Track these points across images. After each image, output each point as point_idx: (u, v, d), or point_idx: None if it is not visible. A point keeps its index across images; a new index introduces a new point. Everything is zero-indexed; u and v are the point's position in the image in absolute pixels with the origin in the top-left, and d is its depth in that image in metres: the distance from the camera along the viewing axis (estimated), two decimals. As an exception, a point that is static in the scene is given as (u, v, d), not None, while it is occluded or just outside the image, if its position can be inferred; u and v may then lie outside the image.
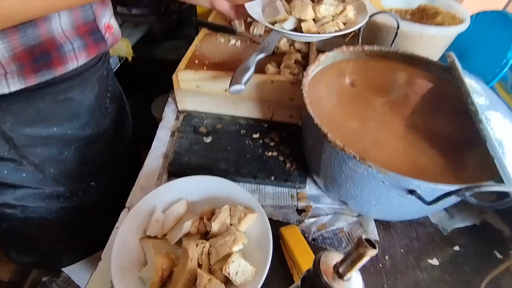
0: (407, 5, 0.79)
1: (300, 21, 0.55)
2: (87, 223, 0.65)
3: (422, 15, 0.75)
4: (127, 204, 0.50)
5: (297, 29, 0.56)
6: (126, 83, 0.99)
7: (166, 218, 0.45)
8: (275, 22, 0.56)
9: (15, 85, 0.43)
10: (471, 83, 0.49)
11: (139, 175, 0.55)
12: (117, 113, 0.66)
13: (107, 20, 0.52)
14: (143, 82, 1.32)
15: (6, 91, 0.43)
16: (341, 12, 0.56)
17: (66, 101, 0.51)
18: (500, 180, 0.37)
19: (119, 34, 0.56)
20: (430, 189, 0.37)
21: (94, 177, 0.63)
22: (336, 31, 0.55)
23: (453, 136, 0.47)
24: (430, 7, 0.75)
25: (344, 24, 0.56)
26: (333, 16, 0.56)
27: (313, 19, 0.55)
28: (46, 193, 0.57)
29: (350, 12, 0.56)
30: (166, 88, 0.67)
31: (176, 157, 0.56)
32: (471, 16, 0.71)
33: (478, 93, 0.48)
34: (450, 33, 0.65)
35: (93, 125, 0.58)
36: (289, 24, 0.55)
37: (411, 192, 0.38)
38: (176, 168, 0.55)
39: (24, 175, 0.53)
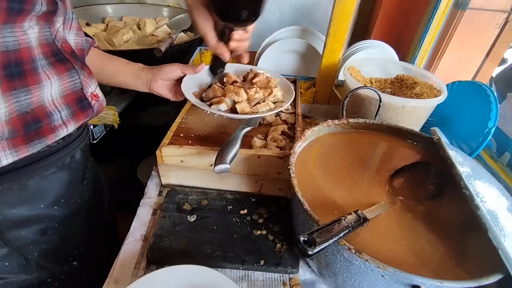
0: (386, 74, 0.83)
1: (234, 102, 0.63)
2: None
3: (402, 85, 0.79)
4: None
5: (232, 109, 0.64)
6: (111, 147, 0.96)
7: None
8: (211, 104, 0.64)
9: (7, 158, 0.41)
10: (454, 154, 0.49)
11: (114, 264, 0.50)
12: (94, 183, 0.63)
13: (93, 89, 0.53)
14: (129, 146, 1.31)
15: None
16: (269, 93, 0.67)
17: (54, 175, 0.50)
18: (505, 271, 0.34)
19: (104, 102, 0.56)
20: (435, 286, 0.33)
21: (76, 256, 0.58)
22: (267, 110, 0.65)
23: (449, 216, 0.45)
24: (407, 77, 0.79)
25: (274, 103, 0.68)
26: (263, 97, 0.67)
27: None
28: (27, 283, 0.51)
29: (278, 92, 0.68)
30: (152, 151, 0.65)
31: (157, 241, 0.51)
32: (447, 85, 0.74)
33: (461, 163, 0.48)
34: (430, 104, 0.67)
35: (76, 198, 0.56)
36: (224, 105, 0.63)
37: (415, 287, 0.35)
38: (156, 255, 0.50)
39: (7, 263, 0.48)
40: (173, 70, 0.65)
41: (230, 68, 0.75)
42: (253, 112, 0.63)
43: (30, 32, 0.41)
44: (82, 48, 0.55)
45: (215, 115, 0.72)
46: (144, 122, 1.12)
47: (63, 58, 0.47)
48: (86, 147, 0.59)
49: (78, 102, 0.49)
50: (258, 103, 0.66)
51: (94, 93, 0.53)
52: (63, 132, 0.47)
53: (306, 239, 0.33)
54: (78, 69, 0.49)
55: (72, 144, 0.52)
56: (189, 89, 0.65)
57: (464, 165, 0.46)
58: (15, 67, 0.39)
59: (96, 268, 0.58)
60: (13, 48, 0.39)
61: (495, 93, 0.66)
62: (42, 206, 0.50)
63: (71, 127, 0.48)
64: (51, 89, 0.45)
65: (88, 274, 0.60)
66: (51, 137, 0.45)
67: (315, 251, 0.32)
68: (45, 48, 0.43)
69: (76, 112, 0.49)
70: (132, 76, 0.66)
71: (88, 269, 0.60)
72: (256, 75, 0.71)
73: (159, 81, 0.66)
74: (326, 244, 0.33)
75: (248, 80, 0.72)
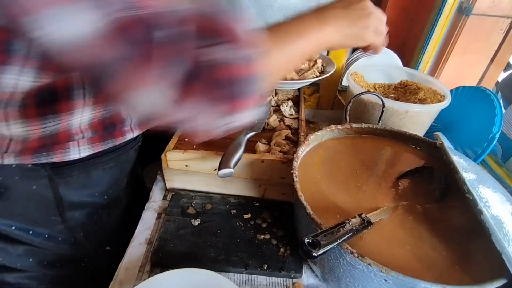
0: (389, 80, 0.84)
1: None
2: None
3: (405, 90, 0.79)
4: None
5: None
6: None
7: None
8: None
9: (85, 152, 0.48)
10: (457, 159, 0.49)
11: (119, 266, 0.50)
12: (135, 180, 0.67)
13: None
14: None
15: (77, 156, 0.47)
16: (313, 64, 0.80)
17: (111, 169, 0.55)
18: (509, 276, 0.34)
19: None
20: (439, 291, 0.33)
21: (110, 242, 0.62)
22: (313, 77, 0.77)
23: (453, 221, 0.45)
24: (411, 83, 0.79)
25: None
26: (309, 67, 0.80)
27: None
28: (70, 258, 0.55)
29: (319, 62, 0.82)
30: (158, 157, 0.65)
31: (161, 245, 0.52)
32: (451, 91, 0.74)
33: (465, 168, 0.47)
34: (433, 109, 0.67)
35: (120, 191, 0.60)
36: None
37: (418, 292, 0.35)
38: (160, 258, 0.50)
39: (60, 238, 0.52)
40: None
41: None
42: (301, 79, 0.75)
43: None
44: None
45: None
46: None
47: None
48: (137, 147, 0.62)
49: None
50: (306, 71, 0.78)
51: None
52: (129, 136, 0.53)
53: (310, 241, 0.33)
54: None
55: (129, 145, 0.57)
56: None
57: (468, 170, 0.46)
58: None
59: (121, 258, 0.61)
60: None
61: (501, 98, 0.66)
62: (96, 194, 0.55)
63: (136, 133, 0.55)
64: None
65: (116, 259, 0.61)
66: (120, 139, 0.52)
67: (319, 253, 0.32)
68: None
69: (141, 121, 0.55)
70: None
71: (118, 254, 0.61)
72: None
73: None
74: (331, 246, 0.33)
75: None
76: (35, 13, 0.22)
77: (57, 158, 0.45)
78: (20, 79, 0.36)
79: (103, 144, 0.50)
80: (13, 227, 0.48)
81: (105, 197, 0.57)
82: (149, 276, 0.48)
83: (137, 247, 0.53)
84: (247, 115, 0.33)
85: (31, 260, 0.51)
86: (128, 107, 0.33)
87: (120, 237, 0.59)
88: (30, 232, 0.49)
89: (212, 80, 0.28)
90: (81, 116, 0.45)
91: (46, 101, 0.41)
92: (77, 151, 0.47)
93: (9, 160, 0.43)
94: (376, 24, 0.47)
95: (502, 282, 0.34)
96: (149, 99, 0.28)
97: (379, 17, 0.47)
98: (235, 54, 0.28)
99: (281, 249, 0.52)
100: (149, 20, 0.24)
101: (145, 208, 0.61)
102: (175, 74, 0.27)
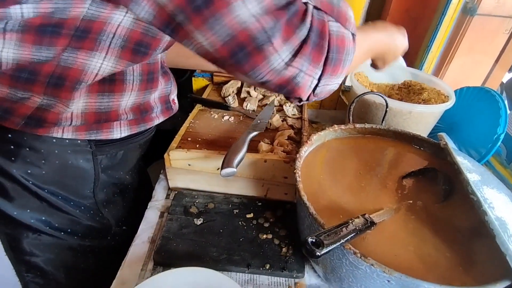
0: (393, 80, 0.83)
1: None
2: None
3: (409, 90, 0.79)
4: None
5: None
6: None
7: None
8: None
9: (124, 132, 0.53)
10: (462, 160, 0.49)
11: (122, 265, 0.50)
12: (143, 168, 0.74)
13: (174, 96, 0.64)
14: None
15: (117, 136, 0.53)
16: None
17: (136, 150, 0.62)
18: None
19: (177, 107, 0.65)
20: (442, 292, 0.33)
21: (126, 222, 0.65)
22: None
23: (456, 222, 0.45)
24: (415, 83, 0.79)
25: None
26: None
27: None
28: (98, 229, 0.60)
29: None
30: (161, 156, 0.66)
31: (163, 243, 0.52)
32: (455, 91, 0.74)
33: (469, 169, 0.47)
34: (437, 110, 0.66)
35: (138, 173, 0.67)
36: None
37: (421, 293, 0.35)
38: (163, 257, 0.50)
39: (92, 211, 0.58)
40: None
41: None
42: None
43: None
44: None
45: (222, 120, 0.73)
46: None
47: (166, 71, 0.60)
48: (151, 136, 0.66)
49: (166, 103, 0.61)
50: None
51: (174, 100, 0.64)
52: (156, 121, 0.59)
53: (314, 240, 0.33)
54: (172, 79, 0.61)
55: (148, 131, 0.61)
56: None
57: (472, 171, 0.46)
58: (148, 74, 0.52)
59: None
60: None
61: (506, 99, 0.66)
62: (121, 173, 0.61)
63: (160, 120, 0.60)
64: (156, 91, 0.56)
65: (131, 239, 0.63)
66: (150, 124, 0.57)
67: (322, 252, 0.32)
68: (154, 65, 0.54)
69: (163, 110, 0.60)
70: None
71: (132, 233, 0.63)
72: None
73: None
74: (334, 246, 0.33)
75: None
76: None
77: (103, 135, 0.51)
78: (103, 63, 0.44)
79: (138, 127, 0.55)
80: (59, 197, 0.53)
81: (127, 176, 0.64)
82: (151, 275, 0.48)
83: (140, 245, 0.54)
84: (337, 82, 0.40)
85: (69, 230, 0.56)
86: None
87: (133, 218, 0.63)
88: (71, 203, 0.55)
89: (322, 45, 0.35)
90: (128, 100, 0.51)
91: (106, 81, 0.47)
92: (119, 131, 0.53)
93: (67, 134, 0.49)
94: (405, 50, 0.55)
95: (505, 284, 0.34)
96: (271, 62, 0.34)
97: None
98: (343, 30, 0.37)
99: (284, 249, 0.52)
100: None
101: (148, 206, 0.61)
102: (298, 38, 0.34)
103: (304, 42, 0.35)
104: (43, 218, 0.52)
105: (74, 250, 0.57)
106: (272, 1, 0.32)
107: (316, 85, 0.39)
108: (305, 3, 0.34)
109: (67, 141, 0.49)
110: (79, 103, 0.47)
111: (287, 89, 0.38)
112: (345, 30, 0.37)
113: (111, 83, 0.48)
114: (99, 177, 0.56)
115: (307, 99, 0.41)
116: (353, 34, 0.38)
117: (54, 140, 0.48)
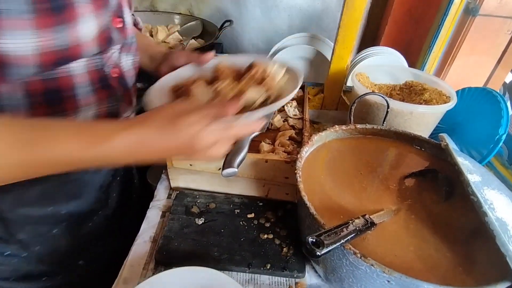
0: (394, 81, 0.83)
1: None
2: None
3: (410, 91, 0.79)
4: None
5: None
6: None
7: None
8: None
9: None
10: (462, 161, 0.49)
11: (124, 264, 0.51)
12: (122, 186, 0.65)
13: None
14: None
15: None
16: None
17: (72, 182, 0.53)
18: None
19: None
20: (442, 292, 0.33)
21: (83, 254, 0.60)
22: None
23: (457, 223, 0.45)
24: (416, 84, 0.79)
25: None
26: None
27: None
28: (25, 272, 0.54)
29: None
30: None
31: (165, 243, 0.52)
32: (457, 92, 0.74)
33: (470, 170, 0.47)
34: (439, 110, 0.66)
35: (90, 203, 0.58)
36: None
37: (421, 294, 0.35)
38: (165, 256, 0.51)
39: (9, 252, 0.51)
40: (179, 57, 0.61)
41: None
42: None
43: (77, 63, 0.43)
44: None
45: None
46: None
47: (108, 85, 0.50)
48: None
49: None
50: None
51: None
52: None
53: (314, 240, 0.33)
54: (119, 97, 0.52)
55: None
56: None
57: (473, 172, 0.46)
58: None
59: (105, 264, 0.60)
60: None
61: (508, 100, 0.66)
62: (50, 209, 0.53)
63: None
64: (88, 112, 0.48)
65: (95, 270, 0.62)
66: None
67: (322, 252, 0.33)
68: (93, 74, 0.46)
69: None
70: (149, 58, 0.65)
71: (96, 266, 0.62)
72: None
73: (165, 68, 0.62)
74: (334, 246, 0.34)
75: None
76: None
77: None
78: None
79: None
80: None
81: (63, 212, 0.55)
82: (153, 274, 0.49)
83: (142, 245, 0.54)
84: None
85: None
86: None
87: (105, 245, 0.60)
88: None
89: None
90: None
91: None
92: None
93: None
94: None
95: (506, 284, 0.34)
96: None
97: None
98: None
99: (284, 249, 0.53)
100: None
101: (150, 206, 0.61)
102: None
103: None
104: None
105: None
106: None
107: None
108: None
109: None
110: None
111: None
112: None
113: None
114: (2, 216, 0.49)
115: None
116: None
117: None
